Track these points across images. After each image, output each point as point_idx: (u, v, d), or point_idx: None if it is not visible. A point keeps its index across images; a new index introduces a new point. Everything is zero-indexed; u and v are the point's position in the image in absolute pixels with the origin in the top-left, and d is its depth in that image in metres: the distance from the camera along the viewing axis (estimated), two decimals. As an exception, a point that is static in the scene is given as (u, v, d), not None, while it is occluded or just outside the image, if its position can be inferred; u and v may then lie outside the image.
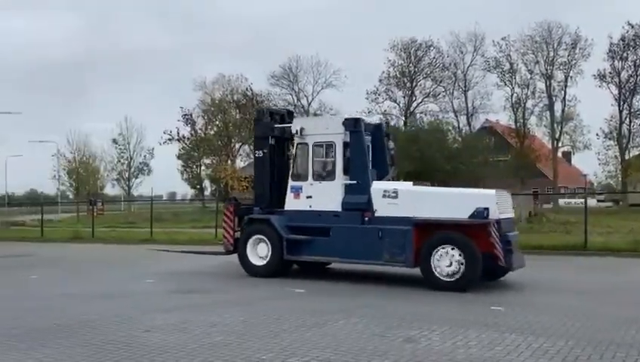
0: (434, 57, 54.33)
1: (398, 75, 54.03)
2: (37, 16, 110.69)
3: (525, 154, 51.13)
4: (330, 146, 11.59)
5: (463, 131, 52.03)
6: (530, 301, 9.13)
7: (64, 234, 25.96)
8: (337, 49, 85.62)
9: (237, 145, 59.96)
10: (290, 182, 11.88)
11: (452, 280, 10.02)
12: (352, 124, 11.40)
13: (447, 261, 10.10)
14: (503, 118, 56.18)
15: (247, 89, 55.43)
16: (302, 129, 11.85)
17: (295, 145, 12.00)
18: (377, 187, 11.08)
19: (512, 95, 51.75)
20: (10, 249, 20.89)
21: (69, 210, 56.26)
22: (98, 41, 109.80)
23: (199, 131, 56.24)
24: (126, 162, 64.21)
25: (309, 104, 57.99)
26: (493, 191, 10.53)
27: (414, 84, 54.12)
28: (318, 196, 11.55)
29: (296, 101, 58.36)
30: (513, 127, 53.54)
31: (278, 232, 11.69)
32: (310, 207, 11.61)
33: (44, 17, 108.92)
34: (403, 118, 53.06)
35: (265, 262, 11.93)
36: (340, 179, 11.41)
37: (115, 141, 62.71)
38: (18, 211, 60.44)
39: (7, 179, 60.20)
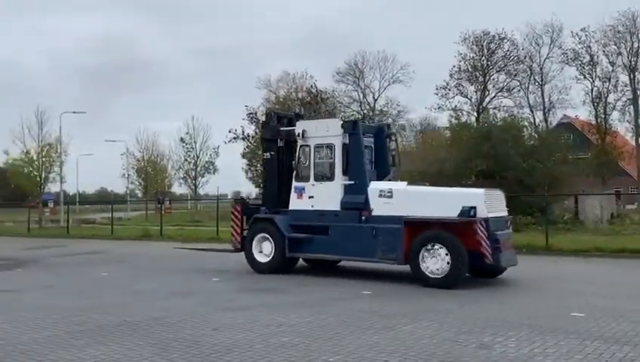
0: (508, 50, 52.87)
1: (470, 69, 52.94)
2: (108, 16, 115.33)
3: (607, 151, 49.05)
4: (330, 148, 12.50)
5: (540, 127, 50.40)
6: (613, 307, 8.75)
7: (133, 233, 26.93)
8: (405, 43, 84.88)
9: (301, 144, 60.49)
10: (294, 183, 12.79)
11: (439, 277, 10.67)
12: (351, 127, 12.34)
13: (434, 258, 10.76)
14: (583, 114, 54.02)
15: (311, 86, 55.76)
16: (304, 131, 12.75)
17: (298, 147, 12.89)
18: (374, 187, 11.88)
19: (592, 89, 49.71)
20: (82, 246, 21.86)
21: (137, 209, 58.38)
22: (165, 40, 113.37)
23: (264, 129, 57.07)
24: (192, 161, 65.97)
25: (376, 100, 57.75)
26: (482, 191, 11.16)
27: (487, 78, 52.89)
28: (320, 196, 12.45)
29: (362, 98, 58.26)
30: (593, 122, 51.41)
31: (281, 231, 12.60)
32: (312, 206, 12.50)
33: (116, 17, 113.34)
34: (475, 114, 51.99)
35: (269, 259, 12.84)
36: (339, 180, 12.26)
37: (182, 140, 64.48)
38: (89, 209, 63.35)
39: (78, 177, 62.88)
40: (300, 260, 13.49)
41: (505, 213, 11.69)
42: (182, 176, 63.79)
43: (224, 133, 49.40)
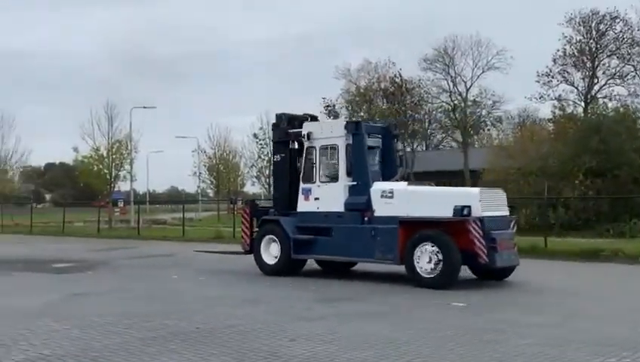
0: (620, 31, 50.48)
1: (576, 54, 50.89)
2: (178, 7, 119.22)
3: None
4: (333, 149, 13.46)
5: (659, 118, 47.90)
6: None
7: (205, 234, 27.64)
8: (501, 26, 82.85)
9: (384, 139, 60.16)
10: (301, 185, 13.80)
11: (432, 276, 11.51)
12: (354, 127, 13.30)
13: (427, 258, 11.61)
14: None
15: (395, 75, 55.34)
16: (309, 133, 13.73)
17: (305, 148, 13.84)
18: (376, 188, 12.80)
19: None
20: (153, 248, 22.66)
21: (209, 209, 59.95)
22: (235, 30, 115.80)
23: (343, 123, 57.07)
24: (266, 158, 66.96)
25: (468, 90, 56.57)
26: (477, 190, 12.21)
27: (596, 63, 50.73)
28: (325, 197, 13.42)
29: (452, 87, 57.23)
30: None
31: (286, 232, 13.61)
32: (318, 208, 13.51)
33: (185, 8, 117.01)
34: (582, 104, 50.01)
35: (276, 261, 13.89)
36: (343, 181, 13.21)
37: (255, 136, 65.58)
38: (159, 209, 65.60)
39: (148, 175, 65.16)
40: (315, 263, 14.50)
41: (505, 213, 12.47)
42: (255, 174, 64.88)
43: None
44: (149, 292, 11.62)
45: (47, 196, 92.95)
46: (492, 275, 12.36)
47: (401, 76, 55.29)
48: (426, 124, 62.49)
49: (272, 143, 15.16)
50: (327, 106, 56.58)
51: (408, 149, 60.59)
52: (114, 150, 39.67)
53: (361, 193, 12.94)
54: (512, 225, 12.59)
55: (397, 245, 12.00)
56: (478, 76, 57.11)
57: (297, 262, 13.83)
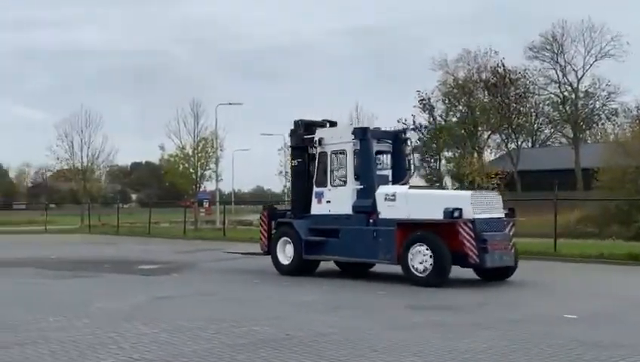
0: None
1: None
2: (262, 2, 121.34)
3: None
4: (343, 154, 15.15)
5: None
6: None
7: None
8: (616, 9, 79.38)
9: (485, 135, 58.90)
10: (314, 188, 15.53)
11: (424, 275, 12.96)
12: (361, 133, 14.96)
13: (419, 258, 13.10)
14: None
15: (497, 65, 54.12)
16: (321, 139, 15.43)
17: (317, 154, 15.56)
18: (381, 191, 14.28)
19: None
20: (239, 250, 23.13)
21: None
22: (323, 24, 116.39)
23: (439, 118, 56.25)
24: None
25: (579, 80, 54.59)
26: (469, 193, 14.10)
27: None
28: (335, 200, 15.10)
29: (561, 77, 55.41)
30: None
31: (299, 234, 15.28)
32: (329, 211, 15.21)
33: (270, 4, 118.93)
34: None
35: (290, 261, 15.53)
36: (351, 184, 14.82)
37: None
38: (244, 210, 66.86)
39: (234, 174, 66.72)
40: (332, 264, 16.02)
41: (500, 215, 13.74)
42: (344, 172, 64.80)
43: (391, 123, 49.53)
44: (236, 296, 11.94)
45: (134, 196, 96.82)
46: (492, 276, 13.60)
47: (504, 66, 54.02)
48: (533, 118, 60.79)
49: (290, 149, 17.54)
50: (422, 100, 56.01)
51: (513, 146, 59.18)
52: (199, 148, 40.82)
53: (367, 196, 14.50)
54: (508, 228, 13.82)
55: (394, 246, 13.60)
56: (591, 65, 54.99)
57: (310, 262, 15.43)
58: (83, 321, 9.24)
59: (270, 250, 16.11)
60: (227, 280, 14.80)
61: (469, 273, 13.77)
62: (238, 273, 16.17)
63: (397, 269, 13.81)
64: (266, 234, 16.40)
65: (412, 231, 13.49)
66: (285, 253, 15.71)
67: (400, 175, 15.32)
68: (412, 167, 16.05)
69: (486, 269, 13.37)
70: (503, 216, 13.85)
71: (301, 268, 15.34)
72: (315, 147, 15.56)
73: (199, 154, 40.82)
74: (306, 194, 15.81)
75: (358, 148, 14.89)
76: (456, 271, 13.54)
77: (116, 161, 57.56)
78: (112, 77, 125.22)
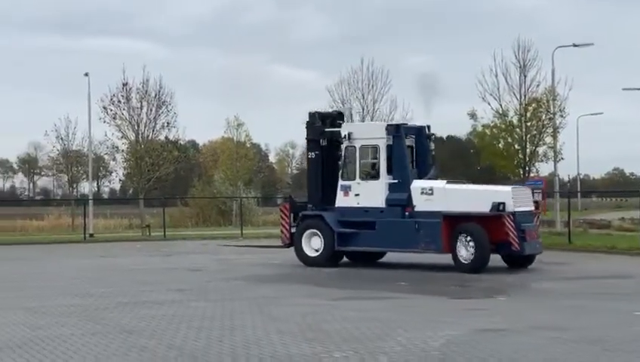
0: None
1: None
2: None
3: None
4: (375, 149, 22.05)
5: None
6: None
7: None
8: None
9: None
10: (340, 182, 22.36)
11: (469, 262, 20.35)
12: (394, 129, 21.95)
13: (464, 247, 20.41)
14: None
15: None
16: (350, 133, 22.21)
17: (344, 148, 22.38)
18: (416, 185, 21.40)
19: None
20: (594, 265, 22.55)
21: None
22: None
23: None
24: None
25: None
26: (509, 188, 21.70)
27: None
28: (365, 194, 21.91)
29: None
30: None
31: (331, 227, 22.00)
32: (358, 203, 22.01)
33: None
34: None
35: (318, 253, 22.36)
36: (384, 179, 21.72)
37: None
38: (595, 204, 65.10)
39: (579, 152, 64.84)
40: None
41: (531, 208, 21.94)
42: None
43: None
44: (597, 336, 11.65)
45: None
46: (519, 263, 21.32)
47: None
48: None
49: (306, 141, 24.19)
50: None
51: None
52: (529, 115, 40.14)
53: (402, 190, 21.50)
54: (536, 219, 22.32)
55: (440, 237, 20.65)
56: None
57: (339, 254, 22.42)
58: (379, 359, 9.68)
59: (294, 243, 22.80)
60: (581, 308, 14.66)
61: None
62: (602, 299, 15.93)
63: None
64: (287, 227, 23.13)
65: (457, 223, 20.69)
66: (311, 245, 22.44)
67: (423, 169, 22.28)
68: (435, 162, 23.17)
69: (522, 257, 21.01)
70: (533, 208, 22.27)
71: (332, 259, 22.16)
72: (338, 140, 22.35)
73: (528, 123, 40.21)
74: (323, 186, 22.67)
75: (391, 143, 21.70)
76: None
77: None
78: (393, 19, 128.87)
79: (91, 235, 41.52)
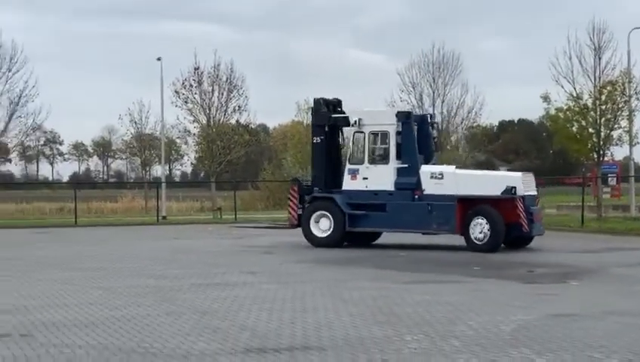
0: None
1: None
2: None
3: None
4: (384, 135, 23.76)
5: None
6: None
7: None
8: None
9: None
10: (348, 166, 24.19)
11: (482, 243, 22.15)
12: (404, 116, 23.93)
13: (479, 228, 22.24)
14: None
15: None
16: (360, 120, 23.93)
17: (352, 133, 24.36)
18: (426, 170, 23.28)
19: None
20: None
21: None
22: None
23: None
24: None
25: None
26: (519, 174, 23.91)
27: None
28: (374, 177, 23.63)
29: None
30: None
31: (341, 209, 23.61)
32: (366, 187, 23.71)
33: None
34: None
35: (327, 234, 23.93)
36: (393, 163, 23.50)
37: None
38: None
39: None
40: None
41: (535, 192, 24.04)
42: None
43: None
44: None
45: (502, 169, 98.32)
46: (518, 243, 23.18)
47: None
48: None
49: (312, 126, 26.32)
50: None
51: None
52: (603, 98, 39.52)
53: (411, 174, 23.24)
54: (536, 202, 24.13)
55: (455, 218, 22.50)
56: None
57: (347, 234, 23.97)
58: (451, 343, 9.68)
59: (301, 224, 24.33)
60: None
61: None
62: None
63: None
64: (295, 208, 24.71)
65: (471, 205, 22.55)
66: (319, 226, 24.00)
67: (427, 155, 24.06)
68: (439, 148, 25.44)
69: (529, 238, 23.13)
70: (536, 193, 24.34)
71: (341, 240, 23.90)
72: (351, 127, 24.30)
73: (603, 107, 39.61)
74: (327, 170, 24.50)
75: (400, 130, 23.49)
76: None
77: (481, 121, 57.71)
78: (464, 2, 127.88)
79: (164, 217, 42.25)
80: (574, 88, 39.68)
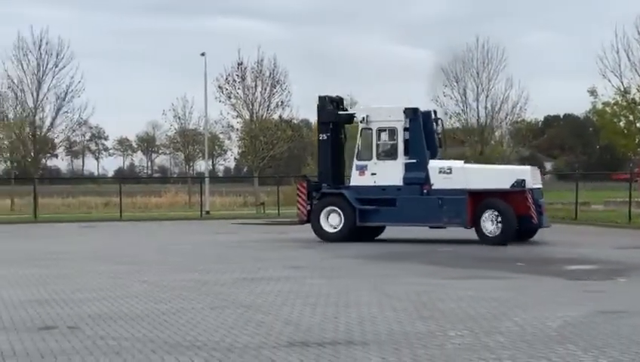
0: None
1: None
2: None
3: None
4: (392, 131, 24.46)
5: None
6: None
7: None
8: None
9: None
10: (356, 162, 24.81)
11: (494, 236, 22.93)
12: (412, 113, 24.26)
13: (490, 221, 23.02)
14: None
15: None
16: (367, 116, 24.56)
17: (360, 130, 25.08)
18: (434, 165, 23.93)
19: None
20: None
21: None
22: None
23: None
24: None
25: None
26: (528, 167, 25.37)
27: None
28: (382, 173, 24.22)
29: None
30: None
31: (351, 204, 24.11)
32: (375, 182, 24.33)
33: None
34: None
35: (337, 229, 24.36)
36: (401, 159, 24.15)
37: None
38: None
39: None
40: None
41: (540, 186, 25.01)
42: None
43: None
44: None
45: (548, 164, 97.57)
46: (522, 236, 23.47)
47: None
48: None
49: (317, 124, 27.54)
50: None
51: None
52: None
53: (420, 169, 23.77)
54: (542, 195, 24.87)
55: (466, 212, 23.09)
56: None
57: (357, 229, 24.21)
58: (495, 339, 9.63)
59: (311, 220, 24.76)
60: None
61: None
62: None
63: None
64: (304, 204, 25.09)
65: (482, 199, 23.25)
66: (329, 221, 24.42)
67: (432, 151, 24.43)
68: (444, 144, 26.06)
69: (535, 230, 23.83)
70: (541, 186, 25.15)
71: (351, 235, 24.06)
72: (358, 124, 25.03)
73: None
74: (332, 166, 25.10)
75: (408, 126, 24.03)
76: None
77: (526, 115, 57.05)
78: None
79: (207, 212, 42.52)
80: (622, 82, 39.33)
